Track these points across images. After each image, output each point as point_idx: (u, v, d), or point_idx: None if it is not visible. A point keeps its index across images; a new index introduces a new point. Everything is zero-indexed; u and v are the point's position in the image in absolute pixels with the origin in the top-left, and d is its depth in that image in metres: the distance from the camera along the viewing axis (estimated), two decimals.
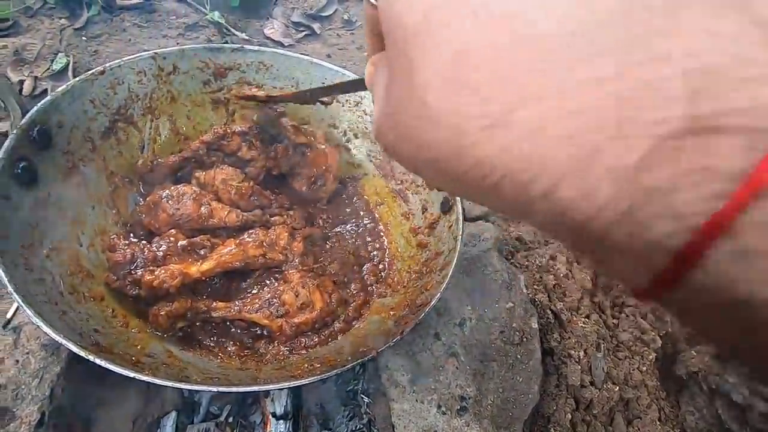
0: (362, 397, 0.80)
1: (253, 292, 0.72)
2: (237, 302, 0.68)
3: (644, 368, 0.90)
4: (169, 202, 0.73)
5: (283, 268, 0.72)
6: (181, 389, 0.72)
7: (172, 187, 0.75)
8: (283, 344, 0.67)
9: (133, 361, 0.51)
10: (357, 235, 0.83)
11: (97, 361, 0.46)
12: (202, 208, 0.73)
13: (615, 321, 0.97)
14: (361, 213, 0.86)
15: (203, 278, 0.69)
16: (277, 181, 0.85)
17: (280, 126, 0.81)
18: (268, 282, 0.73)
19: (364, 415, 0.79)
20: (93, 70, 0.72)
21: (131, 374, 0.46)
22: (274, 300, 0.67)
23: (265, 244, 0.72)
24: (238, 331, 0.69)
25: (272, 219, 0.77)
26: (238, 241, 0.72)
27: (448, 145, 0.17)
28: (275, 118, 0.80)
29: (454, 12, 0.17)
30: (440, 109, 0.17)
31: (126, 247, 0.67)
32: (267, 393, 0.75)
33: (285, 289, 0.68)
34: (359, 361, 0.53)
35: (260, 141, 0.80)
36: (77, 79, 0.70)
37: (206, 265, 0.69)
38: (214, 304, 0.68)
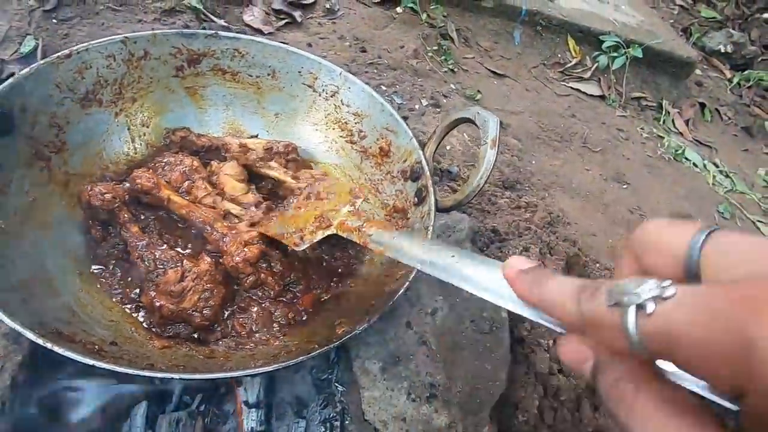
0: (336, 386, 0.81)
1: (177, 238, 0.70)
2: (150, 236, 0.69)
3: None
4: (165, 167, 0.73)
5: (210, 249, 0.68)
6: (151, 378, 0.72)
7: (178, 156, 0.75)
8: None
9: (96, 350, 0.51)
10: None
11: (56, 349, 0.45)
12: (186, 183, 0.73)
13: None
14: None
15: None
16: None
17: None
18: (188, 241, 0.70)
19: (338, 404, 0.80)
20: (59, 53, 0.70)
21: (92, 362, 0.46)
22: (165, 263, 0.63)
23: (225, 218, 0.71)
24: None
25: (243, 215, 0.76)
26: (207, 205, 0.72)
27: None
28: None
29: None
30: None
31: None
32: (240, 382, 0.75)
33: (183, 265, 0.63)
34: (320, 350, 0.53)
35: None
36: (41, 61, 0.68)
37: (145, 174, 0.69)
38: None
